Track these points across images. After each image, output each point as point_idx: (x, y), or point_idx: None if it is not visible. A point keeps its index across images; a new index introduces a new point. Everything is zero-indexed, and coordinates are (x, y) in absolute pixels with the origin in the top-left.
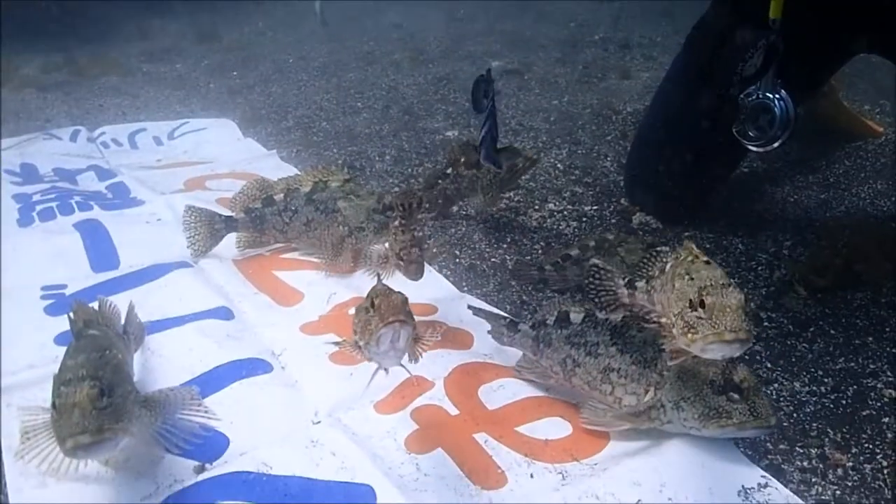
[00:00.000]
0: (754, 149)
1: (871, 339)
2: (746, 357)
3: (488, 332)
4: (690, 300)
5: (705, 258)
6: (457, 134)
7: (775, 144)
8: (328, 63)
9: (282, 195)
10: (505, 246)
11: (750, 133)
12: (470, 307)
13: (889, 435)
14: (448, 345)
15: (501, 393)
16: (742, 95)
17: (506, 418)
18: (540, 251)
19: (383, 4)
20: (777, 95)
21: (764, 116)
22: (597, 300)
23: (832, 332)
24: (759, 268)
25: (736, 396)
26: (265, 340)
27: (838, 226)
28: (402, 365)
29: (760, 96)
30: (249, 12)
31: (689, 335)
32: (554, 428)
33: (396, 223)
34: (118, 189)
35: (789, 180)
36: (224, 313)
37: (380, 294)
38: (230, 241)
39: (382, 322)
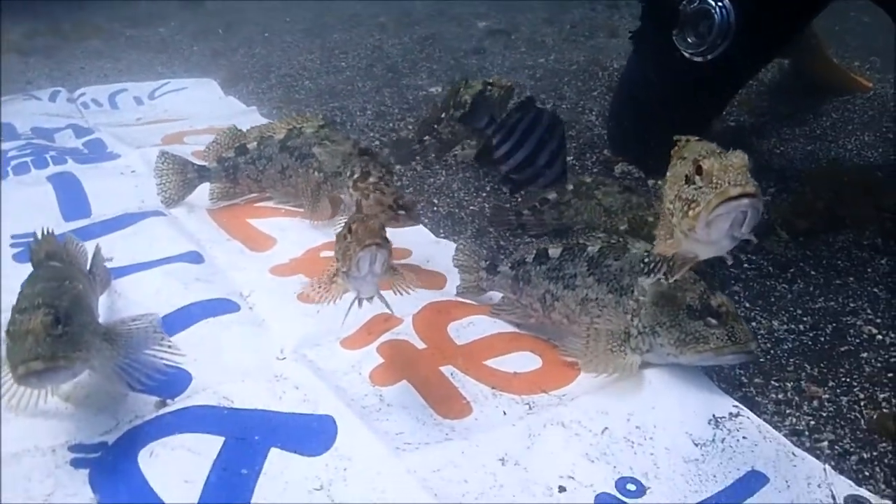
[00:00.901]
0: (692, 56)
1: (851, 279)
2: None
3: (456, 290)
4: (686, 175)
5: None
6: (440, 90)
7: (714, 53)
8: (313, 25)
9: (255, 143)
10: (484, 195)
11: (689, 39)
12: (457, 252)
13: (867, 369)
14: (420, 284)
15: (471, 329)
16: (684, 1)
17: (474, 352)
18: (519, 199)
19: None
20: (719, 2)
21: (704, 23)
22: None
23: (812, 273)
24: None
25: (713, 321)
26: (234, 282)
27: (822, 171)
28: (381, 297)
29: (701, 1)
30: None
31: (690, 213)
32: (523, 361)
33: (375, 180)
34: (95, 144)
35: (776, 133)
36: (194, 257)
37: (356, 220)
38: (205, 191)
39: (360, 246)
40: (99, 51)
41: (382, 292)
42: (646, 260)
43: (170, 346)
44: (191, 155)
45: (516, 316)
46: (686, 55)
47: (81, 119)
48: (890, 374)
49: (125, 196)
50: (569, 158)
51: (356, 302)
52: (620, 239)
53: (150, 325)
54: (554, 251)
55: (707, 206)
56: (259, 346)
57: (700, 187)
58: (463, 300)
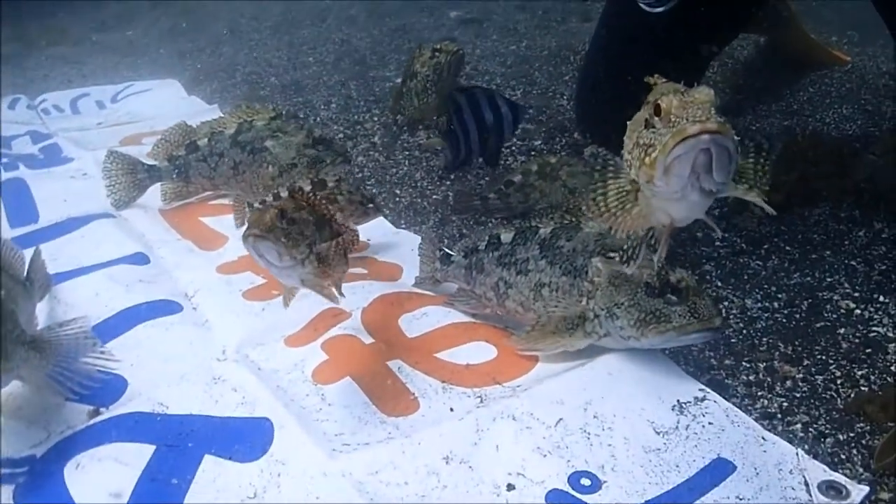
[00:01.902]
0: (648, 9)
1: (828, 252)
2: (696, 278)
3: (414, 281)
4: (645, 119)
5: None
6: None
7: (667, 5)
8: (281, 22)
9: (206, 140)
10: (448, 183)
11: None
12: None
13: (844, 345)
14: (372, 277)
15: (424, 321)
16: None
17: (426, 345)
18: (484, 186)
19: None
20: None
21: None
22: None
23: (787, 248)
24: None
25: (674, 298)
26: (180, 283)
27: (796, 143)
28: (319, 290)
29: None
30: None
31: (647, 160)
32: (477, 352)
33: (333, 183)
34: (50, 150)
35: (752, 110)
36: (139, 259)
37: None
38: (158, 191)
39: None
40: (64, 56)
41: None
42: (624, 247)
43: (102, 353)
44: (145, 156)
45: (471, 307)
46: (643, 6)
47: (41, 125)
48: (868, 350)
49: (74, 199)
50: (538, 143)
51: (290, 295)
52: (573, 219)
53: (81, 331)
54: (506, 236)
55: (663, 149)
56: (199, 348)
57: (658, 130)
58: (419, 291)
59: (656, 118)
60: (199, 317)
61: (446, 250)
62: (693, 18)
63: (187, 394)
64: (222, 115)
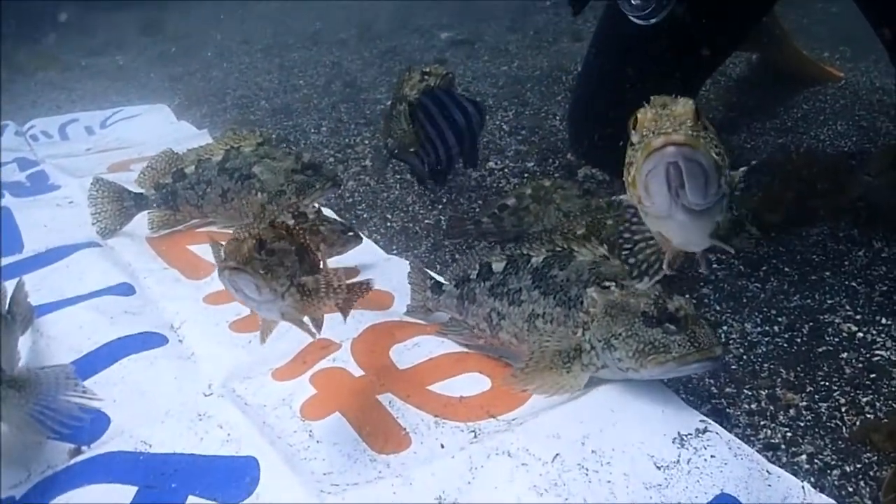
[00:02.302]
0: (636, 20)
1: (828, 273)
2: (693, 302)
3: (406, 310)
4: (630, 138)
5: None
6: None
7: (657, 16)
8: (272, 45)
9: (193, 167)
10: (440, 207)
11: (632, 2)
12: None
13: (848, 371)
14: (364, 305)
15: (416, 351)
16: None
17: (417, 377)
18: (477, 210)
19: None
20: None
21: None
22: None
23: (786, 269)
24: None
25: (672, 327)
26: (165, 314)
27: (791, 161)
28: (299, 323)
29: None
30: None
31: (629, 178)
32: (471, 384)
33: (313, 216)
34: (37, 177)
35: (746, 128)
36: (124, 289)
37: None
38: (145, 219)
39: (223, 266)
40: (53, 82)
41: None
42: (638, 264)
43: (84, 392)
44: (133, 183)
45: (464, 338)
46: (633, 18)
47: (29, 152)
48: (872, 375)
49: (60, 228)
50: (531, 164)
51: (267, 329)
52: (565, 246)
53: (62, 370)
54: (497, 265)
55: (638, 166)
56: (185, 383)
57: (635, 146)
58: (410, 320)
59: (633, 132)
60: (184, 349)
61: (437, 278)
62: (686, 38)
63: (171, 431)
64: (210, 142)
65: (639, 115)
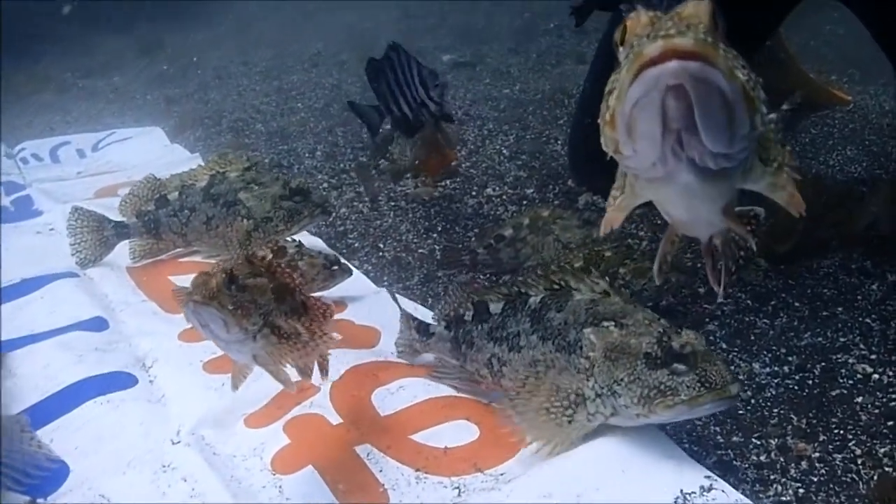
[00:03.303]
0: None
1: (840, 309)
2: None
3: (396, 347)
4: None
5: None
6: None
7: None
8: (271, 67)
9: (176, 193)
10: (435, 235)
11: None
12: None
13: (864, 417)
14: (347, 344)
15: (400, 395)
16: None
17: (400, 424)
18: (473, 239)
19: (336, 4)
20: None
21: None
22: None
23: (796, 304)
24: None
25: (680, 367)
26: (138, 351)
27: (799, 188)
28: (274, 371)
29: None
30: (197, 21)
31: (607, 115)
32: (457, 433)
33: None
34: (22, 202)
35: None
36: (97, 324)
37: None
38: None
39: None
40: (49, 103)
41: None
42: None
43: (39, 446)
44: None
45: (461, 382)
46: None
47: (18, 175)
48: (890, 423)
49: (38, 257)
50: (530, 191)
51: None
52: (562, 282)
53: (17, 421)
54: (495, 306)
55: (619, 94)
56: (151, 428)
57: (619, 68)
58: (396, 360)
59: (620, 49)
60: (154, 391)
61: (421, 320)
62: None
63: (133, 484)
64: (194, 168)
65: (628, 22)
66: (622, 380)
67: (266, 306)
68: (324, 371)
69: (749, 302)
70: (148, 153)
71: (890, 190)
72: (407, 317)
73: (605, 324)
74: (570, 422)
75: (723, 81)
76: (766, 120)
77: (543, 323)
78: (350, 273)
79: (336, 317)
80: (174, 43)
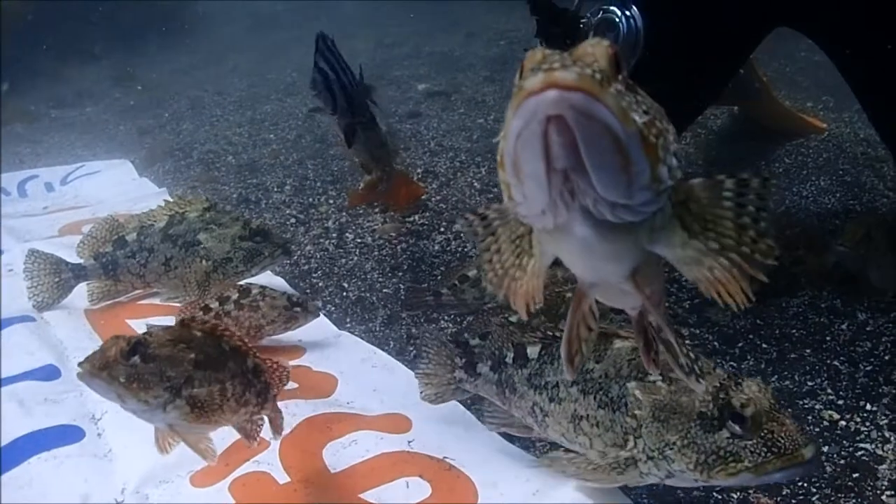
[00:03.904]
0: None
1: (808, 351)
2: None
3: (421, 395)
4: None
5: None
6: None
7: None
8: (245, 97)
9: (135, 234)
10: (400, 274)
11: None
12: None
13: (828, 469)
14: (302, 393)
15: (353, 450)
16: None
17: (351, 482)
18: (439, 277)
19: (311, 34)
20: (625, 11)
21: (609, 35)
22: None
23: (764, 345)
24: (682, 279)
25: (741, 430)
26: (88, 402)
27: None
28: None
29: (604, 11)
30: (172, 50)
31: (499, 154)
32: (409, 491)
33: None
34: None
35: None
36: (49, 372)
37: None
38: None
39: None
40: (20, 134)
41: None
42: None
43: None
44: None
45: (517, 430)
46: None
47: None
48: (855, 475)
49: None
50: None
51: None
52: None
53: None
54: (532, 349)
55: (505, 129)
56: (95, 486)
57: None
58: (351, 411)
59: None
60: (101, 446)
61: (470, 355)
62: (661, 93)
63: None
64: (153, 208)
65: (525, 61)
66: (674, 444)
67: (177, 379)
68: (276, 429)
69: (716, 343)
70: (115, 187)
71: (855, 232)
72: (447, 350)
73: (651, 378)
74: (620, 474)
75: (611, 118)
76: (675, 174)
77: (583, 374)
78: (317, 314)
79: (293, 363)
80: (149, 72)
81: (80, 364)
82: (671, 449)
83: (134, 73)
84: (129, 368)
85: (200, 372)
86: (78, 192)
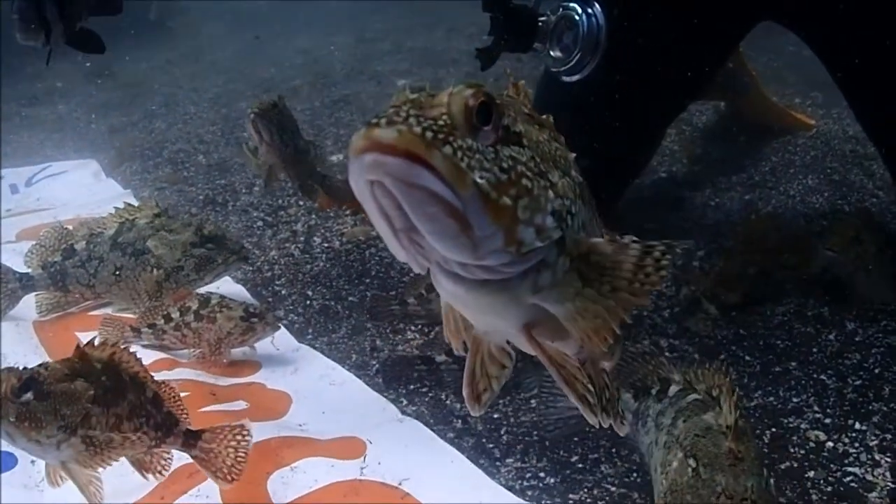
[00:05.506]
0: (560, 74)
1: (794, 364)
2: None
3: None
4: None
5: None
6: (342, 157)
7: (582, 71)
8: (221, 93)
9: (83, 243)
10: (367, 281)
11: (553, 54)
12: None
13: (815, 496)
14: (252, 414)
15: (300, 479)
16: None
17: None
18: (404, 289)
19: (292, 29)
20: (587, 8)
21: (568, 34)
22: None
23: (747, 358)
24: (664, 285)
25: None
26: None
27: (755, 225)
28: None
29: (564, 8)
30: (148, 47)
31: None
32: None
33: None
34: None
35: (710, 183)
36: None
37: None
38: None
39: None
40: None
41: None
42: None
43: None
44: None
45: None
46: (557, 75)
47: None
48: (844, 503)
49: None
50: None
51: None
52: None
53: None
54: (674, 386)
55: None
56: None
57: None
58: (301, 434)
59: None
60: (33, 475)
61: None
62: (631, 93)
63: None
64: (104, 215)
65: (393, 97)
66: None
67: (72, 417)
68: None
69: (696, 355)
70: (79, 189)
71: (842, 235)
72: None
73: None
74: None
75: (434, 183)
76: (550, 234)
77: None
78: (277, 327)
79: (247, 379)
80: (124, 69)
81: None
82: None
83: (109, 69)
84: (19, 406)
85: (97, 408)
86: (42, 195)
